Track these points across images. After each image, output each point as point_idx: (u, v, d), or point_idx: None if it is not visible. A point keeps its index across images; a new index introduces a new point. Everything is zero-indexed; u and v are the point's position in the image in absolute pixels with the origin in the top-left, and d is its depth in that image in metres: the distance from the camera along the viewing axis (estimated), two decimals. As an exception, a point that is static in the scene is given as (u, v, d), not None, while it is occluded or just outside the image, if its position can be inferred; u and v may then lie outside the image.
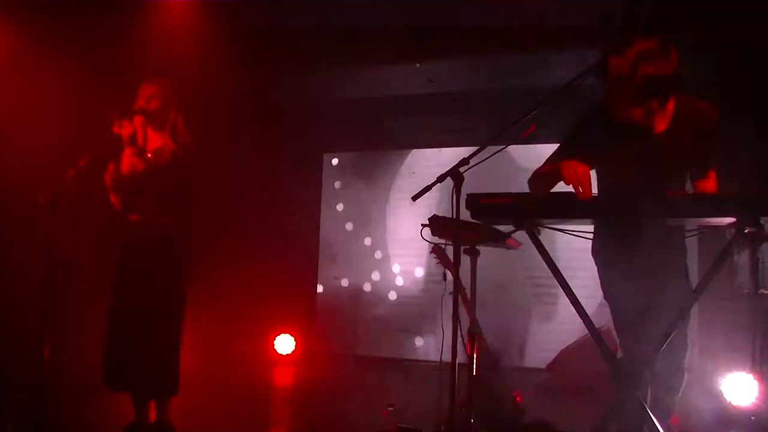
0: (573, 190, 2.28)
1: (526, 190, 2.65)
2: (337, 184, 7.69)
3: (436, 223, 3.34)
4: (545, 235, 2.48)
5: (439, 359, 3.26)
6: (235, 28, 5.60)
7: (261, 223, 7.09)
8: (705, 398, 4.28)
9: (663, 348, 2.34)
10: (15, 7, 5.18)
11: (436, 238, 3.44)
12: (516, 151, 6.14)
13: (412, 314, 7.02)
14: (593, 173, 2.38)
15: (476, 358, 3.46)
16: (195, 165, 3.55)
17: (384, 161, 7.42)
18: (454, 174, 2.43)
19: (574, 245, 2.68)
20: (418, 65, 5.95)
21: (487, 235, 3.36)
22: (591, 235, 2.65)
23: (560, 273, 2.42)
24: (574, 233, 2.48)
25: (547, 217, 2.42)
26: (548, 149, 2.69)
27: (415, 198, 2.51)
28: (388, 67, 6.16)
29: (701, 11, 4.74)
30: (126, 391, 3.46)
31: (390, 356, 7.00)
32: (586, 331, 2.44)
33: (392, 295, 7.25)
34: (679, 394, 2.57)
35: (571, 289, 2.40)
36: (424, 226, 3.31)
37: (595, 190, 2.31)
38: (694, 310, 3.07)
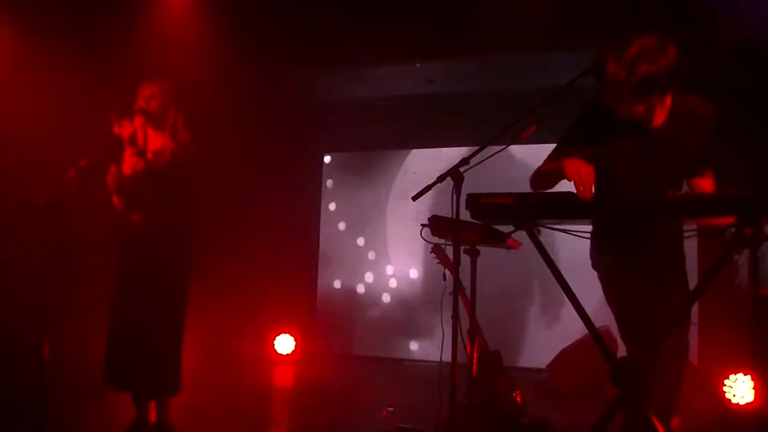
0: (574, 190, 2.28)
1: (527, 189, 2.65)
2: (329, 183, 7.67)
3: (436, 223, 3.34)
4: (545, 235, 2.48)
5: (439, 359, 3.26)
6: (235, 28, 5.60)
7: (261, 224, 7.09)
8: (705, 398, 4.28)
9: (663, 348, 2.34)
10: (15, 8, 5.18)
11: (436, 238, 3.44)
12: (516, 150, 6.15)
13: (408, 315, 7.04)
14: None
15: (476, 358, 3.46)
16: (195, 165, 3.55)
17: (381, 161, 7.40)
18: (454, 174, 2.43)
19: (574, 245, 2.68)
20: (418, 65, 5.95)
21: (487, 235, 3.36)
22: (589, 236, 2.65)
23: (560, 273, 2.42)
24: (574, 233, 2.48)
25: (547, 217, 2.42)
26: (548, 149, 2.69)
27: (415, 198, 2.51)
28: (388, 67, 6.16)
29: (701, 12, 4.74)
30: (127, 391, 3.46)
31: (390, 356, 7.01)
32: (586, 331, 2.44)
33: (386, 298, 7.25)
34: (679, 394, 2.57)
35: (570, 289, 2.40)
36: (423, 226, 3.31)
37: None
38: (694, 310, 3.07)
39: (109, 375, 3.42)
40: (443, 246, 3.75)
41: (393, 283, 7.23)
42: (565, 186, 2.37)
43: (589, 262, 2.71)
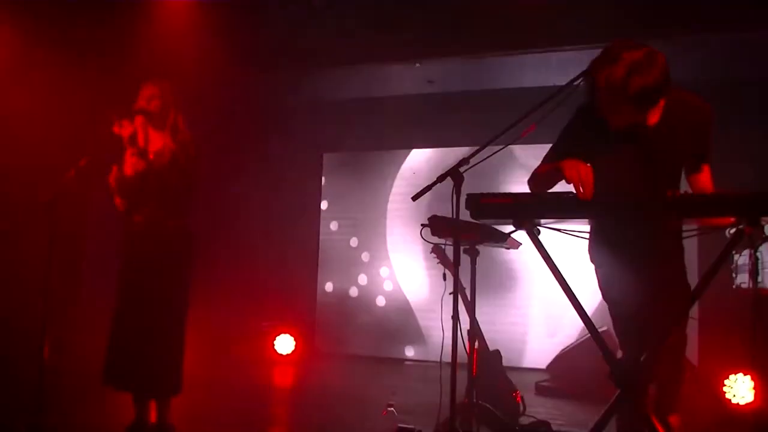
0: (573, 190, 2.28)
1: (527, 190, 2.66)
2: (322, 181, 7.65)
3: (435, 223, 3.34)
4: (545, 235, 2.48)
5: (439, 359, 3.26)
6: (235, 27, 5.60)
7: (261, 224, 7.09)
8: (705, 398, 4.28)
9: (662, 348, 2.34)
10: (15, 8, 5.18)
11: (436, 238, 3.44)
12: (516, 150, 6.15)
13: (407, 316, 7.04)
14: None
15: (476, 358, 3.46)
16: (195, 165, 3.55)
17: (380, 161, 7.39)
18: (454, 174, 2.43)
19: (574, 245, 2.68)
20: (418, 65, 5.96)
21: (487, 235, 3.36)
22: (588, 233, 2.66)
23: (560, 273, 2.42)
24: (574, 233, 2.48)
25: (547, 217, 2.42)
26: (548, 149, 2.69)
27: (415, 198, 2.51)
28: (388, 67, 6.16)
29: (701, 12, 4.74)
30: (127, 391, 3.46)
31: (390, 356, 7.00)
32: (586, 331, 2.44)
33: (387, 297, 7.24)
34: (679, 394, 2.57)
35: (570, 289, 2.40)
36: (423, 226, 3.31)
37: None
38: (694, 310, 3.07)
39: (109, 374, 3.42)
40: (443, 246, 3.75)
41: (392, 284, 7.22)
42: (565, 185, 2.37)
43: (589, 262, 2.72)
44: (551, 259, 2.41)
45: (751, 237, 2.19)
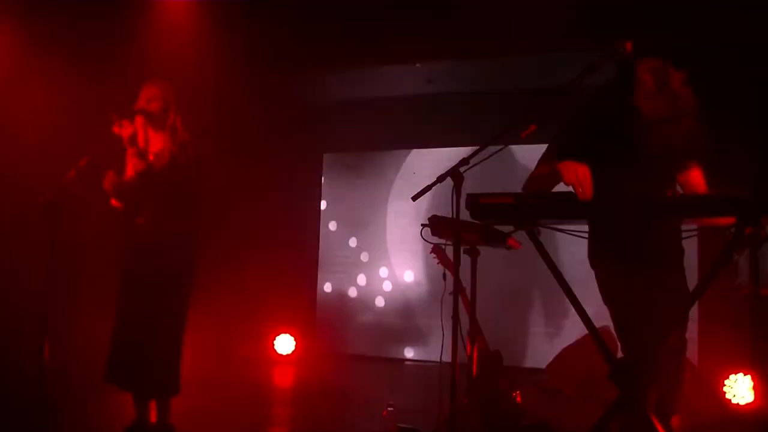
0: (573, 191, 2.28)
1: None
2: (321, 181, 7.64)
3: (436, 223, 3.34)
4: (545, 235, 2.48)
5: (439, 359, 3.26)
6: (235, 27, 5.60)
7: (261, 224, 7.09)
8: (705, 398, 4.28)
9: (663, 349, 2.34)
10: (15, 8, 5.18)
11: (436, 238, 3.44)
12: (516, 150, 6.15)
13: (407, 317, 7.03)
14: None
15: (476, 358, 3.46)
16: (195, 166, 3.55)
17: (380, 161, 7.39)
18: (454, 174, 2.43)
19: (574, 245, 2.68)
20: (418, 65, 5.96)
21: (487, 235, 3.36)
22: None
23: (560, 273, 2.42)
24: (573, 233, 2.48)
25: (547, 217, 2.42)
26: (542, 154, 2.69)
27: (415, 198, 2.51)
28: (388, 67, 6.16)
29: (700, 13, 4.74)
30: (128, 391, 3.46)
31: (390, 356, 7.00)
32: (586, 331, 2.44)
33: (387, 296, 7.23)
34: (679, 395, 2.57)
35: (570, 289, 2.40)
36: (424, 226, 3.32)
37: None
38: (694, 310, 3.07)
39: (110, 373, 3.43)
40: (443, 246, 3.75)
41: (391, 284, 7.22)
42: (564, 186, 2.38)
43: (588, 262, 2.71)
44: (551, 259, 2.41)
45: (751, 237, 2.19)
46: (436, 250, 3.80)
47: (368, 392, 5.22)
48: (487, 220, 2.55)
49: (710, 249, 2.57)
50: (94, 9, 5.26)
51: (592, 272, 2.70)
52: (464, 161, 2.44)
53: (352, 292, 7.31)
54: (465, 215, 2.42)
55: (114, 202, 3.52)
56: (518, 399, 3.91)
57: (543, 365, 5.64)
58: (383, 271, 7.20)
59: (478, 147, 2.48)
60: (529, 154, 6.02)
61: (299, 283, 7.33)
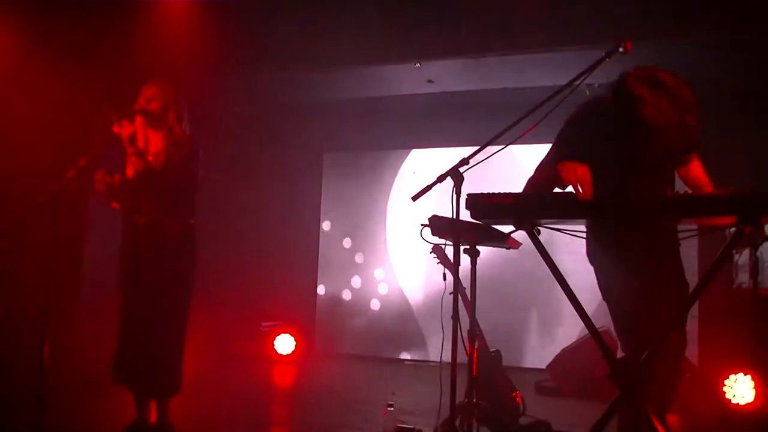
0: (573, 191, 2.28)
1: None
2: (322, 181, 7.62)
3: (435, 223, 3.34)
4: (545, 235, 2.48)
5: (439, 359, 3.26)
6: (235, 27, 5.60)
7: (261, 224, 7.09)
8: (705, 398, 4.28)
9: (662, 347, 2.34)
10: (15, 8, 5.18)
11: (436, 238, 3.44)
12: (516, 150, 6.15)
13: (406, 317, 7.03)
14: None
15: (476, 358, 3.46)
16: (195, 167, 3.54)
17: (380, 161, 7.39)
18: (454, 174, 2.43)
19: (573, 245, 2.68)
20: (418, 65, 5.95)
21: (487, 235, 3.36)
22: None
23: (560, 273, 2.42)
24: (573, 233, 2.49)
25: (547, 217, 2.42)
26: (549, 149, 2.69)
27: (415, 198, 2.51)
28: (388, 67, 6.16)
29: (700, 13, 4.74)
30: (138, 390, 3.47)
31: (390, 356, 7.00)
32: (586, 331, 2.44)
33: (382, 298, 7.24)
34: (675, 394, 2.57)
35: (570, 289, 2.41)
36: (424, 226, 3.31)
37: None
38: (694, 310, 3.07)
39: (122, 373, 3.43)
40: (443, 246, 3.75)
41: (391, 283, 7.22)
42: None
43: (587, 258, 2.72)
44: (551, 259, 2.41)
45: (751, 237, 2.19)
46: (436, 250, 3.80)
47: (368, 392, 5.22)
48: (487, 220, 2.56)
49: (710, 249, 2.57)
50: (94, 9, 5.27)
51: (592, 273, 2.70)
52: (464, 161, 2.44)
53: (346, 296, 7.33)
54: (465, 215, 2.42)
55: (113, 204, 3.52)
56: (518, 399, 3.91)
57: (543, 365, 5.64)
58: (379, 273, 7.21)
59: (478, 147, 2.48)
60: (529, 154, 6.03)
61: (299, 282, 7.33)
